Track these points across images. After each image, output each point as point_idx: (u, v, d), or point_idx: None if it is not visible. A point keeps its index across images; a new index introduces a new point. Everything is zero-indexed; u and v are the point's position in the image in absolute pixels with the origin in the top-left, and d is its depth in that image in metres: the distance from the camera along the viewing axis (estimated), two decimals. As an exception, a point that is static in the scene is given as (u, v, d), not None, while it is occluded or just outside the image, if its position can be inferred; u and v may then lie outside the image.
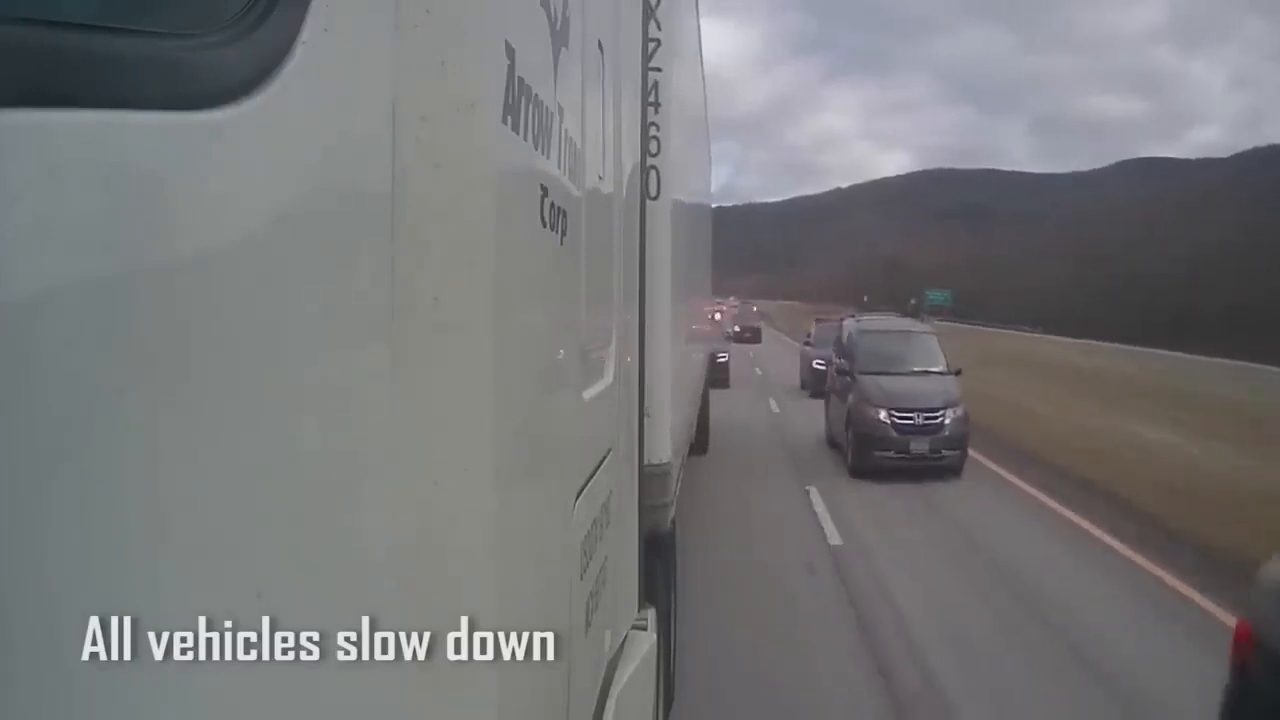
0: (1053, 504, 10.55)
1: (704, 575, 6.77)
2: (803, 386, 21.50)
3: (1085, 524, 9.62)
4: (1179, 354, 32.85)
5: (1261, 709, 3.17)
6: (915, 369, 12.51)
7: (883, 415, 11.40)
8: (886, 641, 6.22)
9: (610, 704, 2.12)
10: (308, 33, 0.83)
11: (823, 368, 16.70)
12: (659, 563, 3.68)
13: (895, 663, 5.84)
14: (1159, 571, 7.98)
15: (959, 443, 11.58)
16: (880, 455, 11.36)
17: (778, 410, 18.64)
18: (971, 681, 5.54)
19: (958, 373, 12.69)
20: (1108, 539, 9.05)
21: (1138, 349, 35.65)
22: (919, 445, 11.32)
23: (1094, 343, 38.33)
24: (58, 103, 0.69)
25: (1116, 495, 10.70)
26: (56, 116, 0.69)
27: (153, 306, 0.74)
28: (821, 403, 15.04)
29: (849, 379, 12.47)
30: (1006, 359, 28.59)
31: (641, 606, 2.90)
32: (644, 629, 2.80)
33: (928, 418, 11.39)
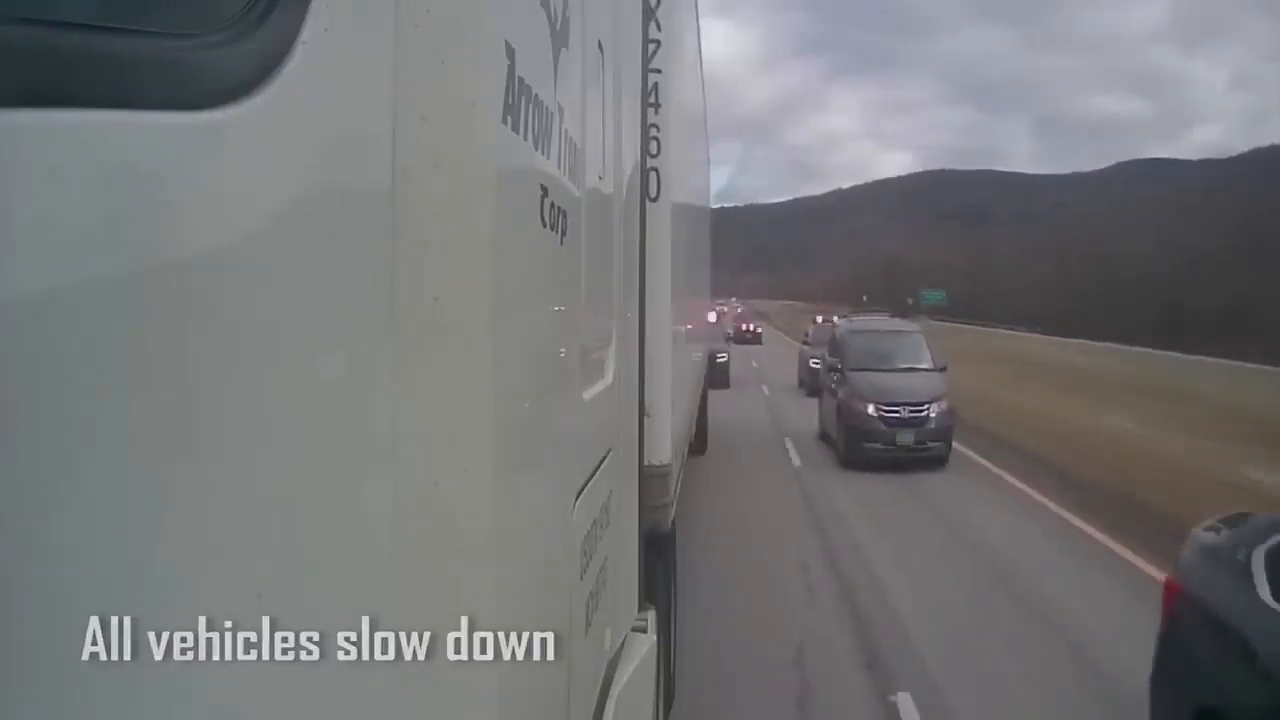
0: (1005, 474, 12.00)
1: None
2: (800, 385, 21.75)
3: (1037, 494, 10.82)
4: (1163, 352, 33.77)
5: (1188, 649, 3.80)
6: (902, 366, 13.08)
7: (870, 409, 11.93)
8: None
9: (610, 704, 2.12)
10: (308, 33, 0.83)
11: (818, 366, 17.32)
12: (659, 563, 3.68)
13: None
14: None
15: (943, 435, 12.17)
16: (869, 447, 11.87)
17: (774, 406, 19.07)
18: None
19: (943, 369, 13.27)
20: (1037, 495, 10.68)
21: (1119, 347, 36.60)
22: (905, 437, 11.87)
23: (1083, 341, 39.26)
24: (58, 103, 0.69)
25: (1052, 462, 12.50)
26: (56, 116, 0.69)
27: (153, 306, 0.74)
28: (817, 400, 15.66)
29: (840, 375, 13.07)
30: (990, 355, 29.65)
31: (641, 607, 2.89)
32: (644, 630, 2.80)
33: (913, 411, 11.95)
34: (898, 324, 16.41)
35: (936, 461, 12.04)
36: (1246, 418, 16.20)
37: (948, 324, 49.10)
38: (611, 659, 2.29)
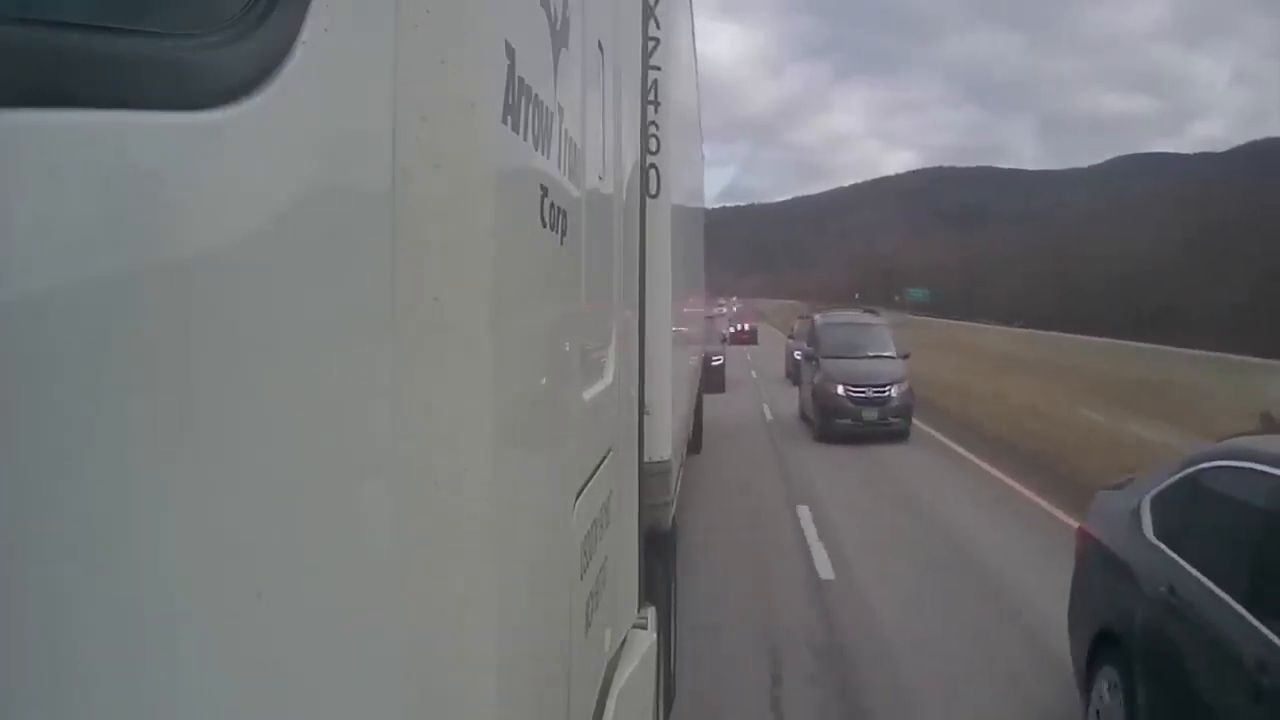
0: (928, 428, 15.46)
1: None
2: (787, 375, 24.00)
3: (939, 435, 14.93)
4: (1107, 340, 37.04)
5: (1092, 583, 4.64)
6: (870, 354, 15.42)
7: (840, 390, 14.23)
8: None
9: (610, 704, 2.12)
10: (308, 33, 0.83)
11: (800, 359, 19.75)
12: (659, 562, 3.69)
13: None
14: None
15: (904, 412, 14.51)
16: (839, 422, 14.15)
17: (763, 392, 22.01)
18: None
19: (906, 356, 15.61)
20: (939, 435, 14.86)
21: (1061, 335, 40.11)
22: (870, 414, 14.18)
23: (1031, 331, 43.46)
24: (58, 103, 0.69)
25: (959, 412, 16.91)
26: (56, 116, 0.69)
27: (153, 306, 0.74)
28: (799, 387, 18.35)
29: (815, 362, 15.39)
30: (947, 345, 33.51)
31: (641, 606, 2.90)
32: (644, 628, 2.81)
33: (877, 391, 14.25)
34: (866, 318, 18.66)
35: (897, 434, 14.30)
36: (1109, 385, 20.68)
37: (924, 319, 53.61)
38: (611, 659, 2.29)
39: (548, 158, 1.35)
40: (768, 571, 7.72)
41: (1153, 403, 16.86)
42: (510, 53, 1.10)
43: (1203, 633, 3.50)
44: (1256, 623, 3.15)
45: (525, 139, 1.19)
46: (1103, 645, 4.26)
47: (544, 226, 1.33)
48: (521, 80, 1.15)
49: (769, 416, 17.49)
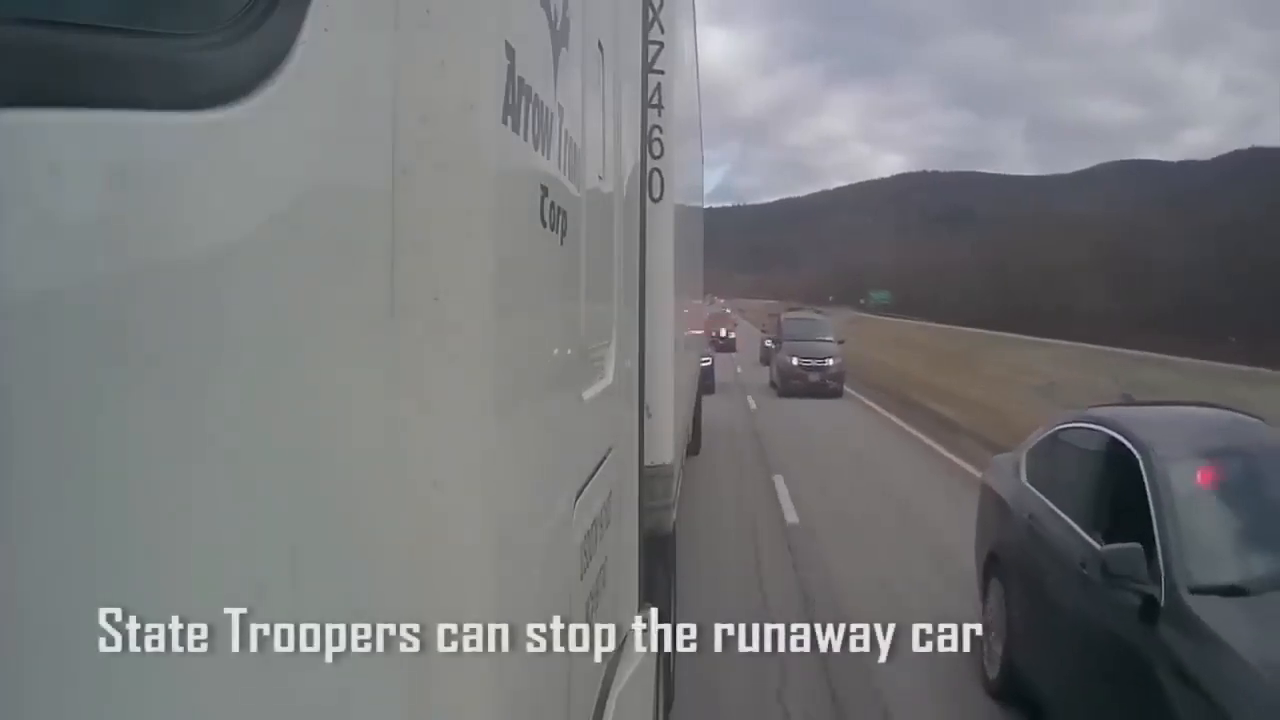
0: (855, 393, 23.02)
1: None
2: (761, 360, 31.41)
3: (854, 392, 23.03)
4: (988, 331, 47.69)
5: (986, 518, 6.13)
6: (816, 339, 23.47)
7: (794, 362, 22.20)
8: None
9: (610, 704, 2.12)
10: (308, 33, 0.83)
11: (770, 346, 28.45)
12: (659, 564, 3.68)
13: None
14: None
15: (837, 378, 22.25)
16: (793, 383, 21.93)
17: (742, 375, 28.69)
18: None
19: (841, 342, 24.06)
20: (854, 392, 23.02)
21: (969, 329, 50.43)
22: (814, 377, 21.90)
23: (947, 326, 54.20)
24: (58, 103, 0.69)
25: (870, 379, 25.49)
26: (56, 116, 0.69)
27: (153, 306, 0.74)
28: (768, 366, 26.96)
29: (778, 345, 23.88)
30: (878, 335, 44.76)
31: (641, 607, 2.90)
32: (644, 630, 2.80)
33: (818, 362, 22.18)
34: (816, 315, 28.60)
35: (833, 393, 21.80)
36: (948, 356, 30.07)
37: (869, 316, 65.95)
38: (611, 660, 2.29)
39: (548, 158, 1.35)
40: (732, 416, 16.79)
41: (958, 366, 27.89)
42: (510, 53, 1.10)
43: (1048, 544, 4.85)
44: (1082, 532, 4.48)
45: (525, 139, 1.20)
46: (992, 563, 5.75)
47: (544, 226, 1.33)
48: (521, 80, 1.15)
49: (753, 406, 22.22)
